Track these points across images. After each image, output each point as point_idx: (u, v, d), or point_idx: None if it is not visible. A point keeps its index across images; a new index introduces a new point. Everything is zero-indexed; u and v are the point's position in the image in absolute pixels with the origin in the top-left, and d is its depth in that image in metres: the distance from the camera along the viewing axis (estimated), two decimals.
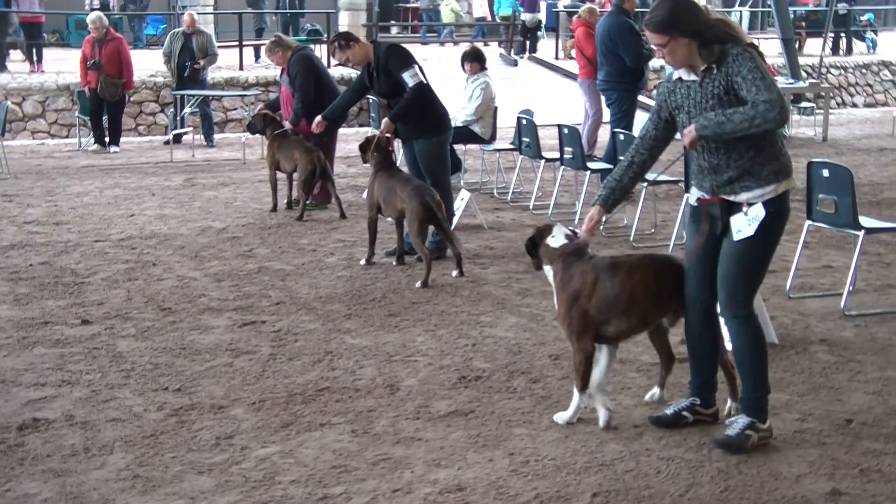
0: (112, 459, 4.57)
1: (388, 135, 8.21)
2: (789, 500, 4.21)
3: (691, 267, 4.85)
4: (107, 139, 15.02)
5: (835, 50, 25.57)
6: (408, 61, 8.02)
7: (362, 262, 8.07)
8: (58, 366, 5.79)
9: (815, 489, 4.30)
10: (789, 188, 4.67)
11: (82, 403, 5.22)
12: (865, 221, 6.94)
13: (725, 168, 4.63)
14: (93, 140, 15.11)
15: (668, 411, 5.00)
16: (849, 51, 26.27)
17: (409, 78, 7.94)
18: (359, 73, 8.55)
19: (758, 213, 4.57)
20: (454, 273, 7.68)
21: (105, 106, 14.86)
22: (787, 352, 6.02)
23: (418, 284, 7.49)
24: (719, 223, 4.69)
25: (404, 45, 8.34)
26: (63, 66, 19.26)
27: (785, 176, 4.66)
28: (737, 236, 4.62)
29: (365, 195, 10.92)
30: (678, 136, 4.81)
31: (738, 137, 4.53)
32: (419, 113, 8.04)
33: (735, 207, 4.64)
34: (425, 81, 8.02)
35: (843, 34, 26.12)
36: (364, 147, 8.24)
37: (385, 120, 8.18)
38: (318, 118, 8.68)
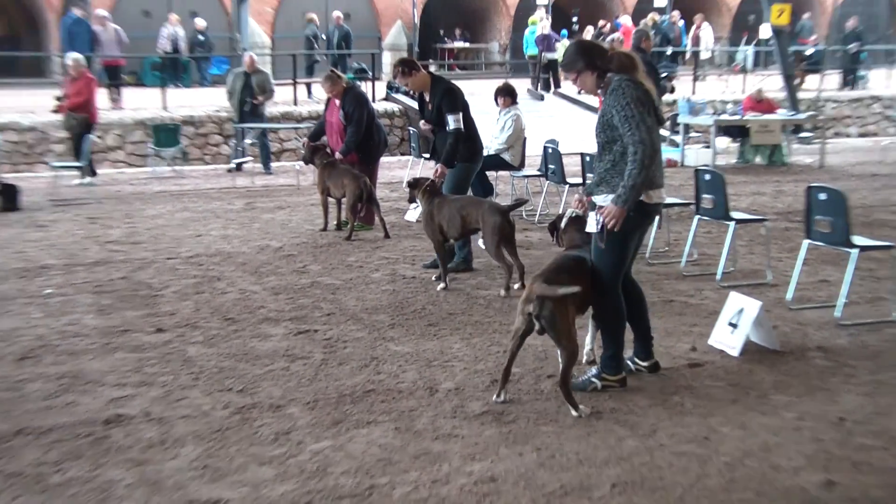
0: (184, 451, 4.64)
1: (439, 176, 8.20)
2: (788, 490, 4.22)
3: None
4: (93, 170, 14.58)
5: (846, 84, 25.23)
6: (456, 106, 8.21)
7: (441, 286, 7.79)
8: (136, 368, 5.88)
9: (812, 480, 4.31)
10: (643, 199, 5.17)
11: (158, 402, 5.31)
12: (858, 240, 6.92)
13: (595, 174, 5.32)
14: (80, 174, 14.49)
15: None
16: (855, 85, 25.74)
17: (451, 122, 8.16)
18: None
19: (599, 218, 5.22)
20: (516, 286, 7.58)
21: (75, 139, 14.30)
22: (787, 357, 6.01)
23: (501, 292, 7.56)
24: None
25: (458, 88, 8.40)
26: (139, 103, 19.47)
27: None
28: (588, 229, 5.33)
29: (407, 217, 11.05)
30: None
31: (603, 149, 5.22)
32: None
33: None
34: (462, 128, 8.17)
35: (853, 69, 25.73)
36: (413, 186, 8.23)
37: (440, 166, 8.21)
38: (440, 167, 8.23)
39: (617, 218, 5.10)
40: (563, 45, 24.54)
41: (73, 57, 14.62)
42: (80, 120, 14.17)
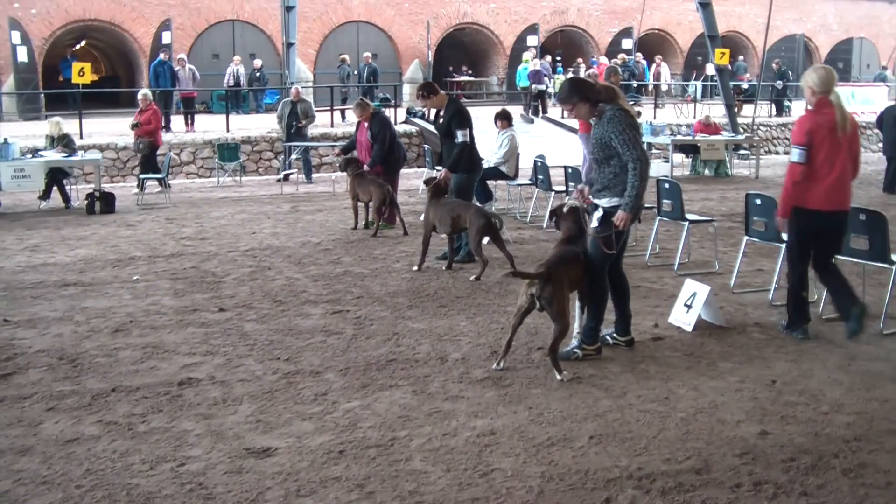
0: (241, 408, 4.61)
1: (446, 178, 8.18)
2: (731, 439, 4.17)
3: None
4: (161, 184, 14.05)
5: (779, 113, 25.00)
6: (463, 124, 8.11)
7: (415, 268, 7.96)
8: (203, 340, 5.85)
9: (750, 431, 4.27)
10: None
11: (220, 368, 5.27)
12: (786, 237, 6.83)
13: (598, 182, 5.25)
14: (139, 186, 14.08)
15: (604, 333, 5.52)
16: (781, 113, 25.35)
17: (459, 135, 8.07)
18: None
19: (599, 213, 5.21)
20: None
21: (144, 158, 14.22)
22: (731, 332, 5.94)
23: (472, 278, 7.51)
24: (591, 216, 5.34)
25: (467, 110, 8.31)
26: (208, 126, 19.43)
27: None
28: (591, 224, 5.30)
29: (423, 218, 10.98)
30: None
31: (602, 163, 5.19)
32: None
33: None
34: (468, 141, 8.10)
35: (779, 100, 25.43)
36: (428, 182, 8.29)
37: (445, 170, 8.17)
38: (445, 171, 8.16)
39: (626, 220, 5.13)
40: (559, 80, 24.52)
41: (143, 92, 14.61)
42: (147, 143, 14.19)
